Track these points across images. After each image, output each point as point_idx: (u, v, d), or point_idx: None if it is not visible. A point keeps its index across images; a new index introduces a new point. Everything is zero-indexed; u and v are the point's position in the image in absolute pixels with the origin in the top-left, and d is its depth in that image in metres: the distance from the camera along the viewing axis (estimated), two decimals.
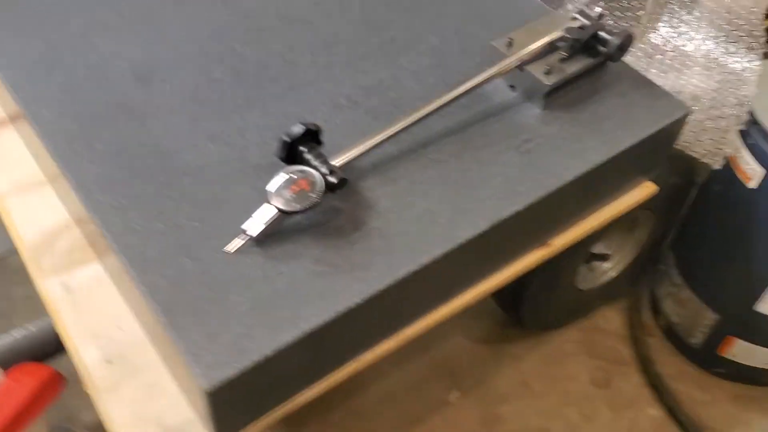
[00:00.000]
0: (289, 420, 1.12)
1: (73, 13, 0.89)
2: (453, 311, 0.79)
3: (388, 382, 1.19)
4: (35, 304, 0.77)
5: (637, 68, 1.10)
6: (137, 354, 0.72)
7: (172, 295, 0.64)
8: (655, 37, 1.10)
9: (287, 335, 0.62)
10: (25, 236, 0.81)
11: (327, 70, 0.86)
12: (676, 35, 1.09)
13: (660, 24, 1.10)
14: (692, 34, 1.08)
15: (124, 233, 0.68)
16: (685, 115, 0.87)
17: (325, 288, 0.66)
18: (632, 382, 1.22)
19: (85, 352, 0.71)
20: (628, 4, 1.07)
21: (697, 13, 1.07)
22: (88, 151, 0.75)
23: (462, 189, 0.75)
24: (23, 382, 0.70)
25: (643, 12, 1.08)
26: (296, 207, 0.67)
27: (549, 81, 0.82)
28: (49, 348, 0.75)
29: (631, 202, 0.92)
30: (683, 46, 1.08)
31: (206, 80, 0.83)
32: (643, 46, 1.11)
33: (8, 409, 0.68)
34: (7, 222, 0.82)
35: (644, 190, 0.93)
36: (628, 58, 1.12)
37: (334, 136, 0.78)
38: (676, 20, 1.09)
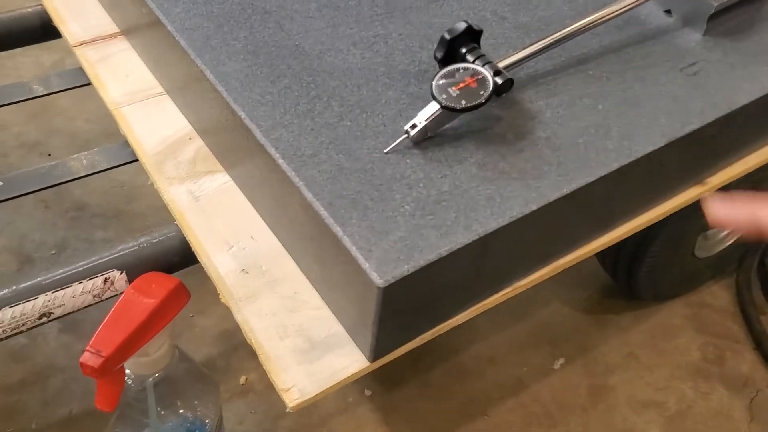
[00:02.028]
0: (389, 374, 1.06)
1: None
2: (605, 244, 0.73)
3: (486, 345, 1.12)
4: (113, 247, 0.71)
5: None
6: (273, 264, 0.66)
7: (332, 190, 0.58)
8: None
9: (461, 237, 0.56)
10: (145, 144, 0.75)
11: None
12: None
13: None
14: None
15: (273, 128, 0.62)
16: None
17: (494, 193, 0.60)
18: (747, 360, 1.14)
19: (218, 261, 0.66)
20: None
21: None
22: (225, 48, 0.70)
23: (629, 106, 0.68)
24: (151, 290, 0.64)
25: None
26: (463, 104, 0.61)
27: (716, 1, 0.76)
28: (176, 258, 0.69)
29: None
30: None
31: None
32: None
33: (138, 317, 0.62)
34: (125, 130, 0.77)
35: None
36: None
37: (483, 48, 0.72)
38: None
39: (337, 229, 0.55)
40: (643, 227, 0.75)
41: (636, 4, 0.76)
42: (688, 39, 0.77)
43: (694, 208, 0.92)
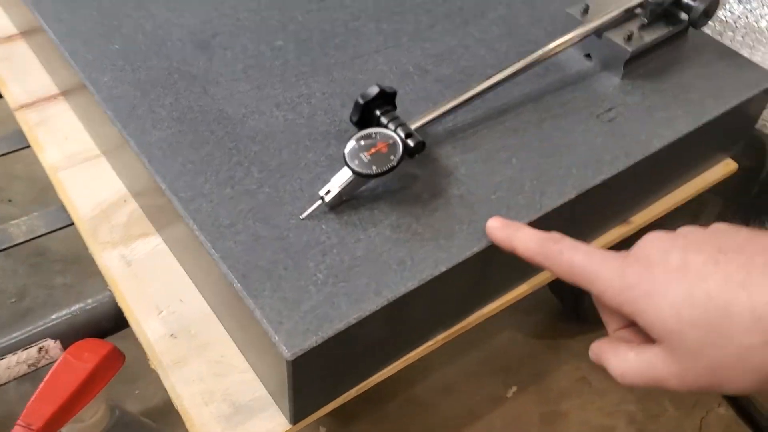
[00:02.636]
0: (344, 410, 1.08)
1: None
2: (533, 288, 0.75)
3: (442, 376, 1.14)
4: (76, 292, 0.74)
5: None
6: (202, 328, 0.68)
7: (247, 261, 0.60)
8: (724, 14, 1.06)
9: (371, 304, 0.58)
10: (81, 210, 0.77)
11: (393, 39, 0.82)
12: (747, 12, 1.05)
13: (730, 0, 1.05)
14: (764, 9, 1.03)
15: (193, 198, 0.64)
16: None
17: (405, 256, 0.62)
18: None
19: (148, 327, 0.68)
20: None
21: None
22: (151, 116, 0.71)
23: (545, 157, 0.70)
24: (84, 357, 0.66)
25: None
26: (374, 170, 0.63)
27: (630, 47, 0.78)
28: (109, 323, 0.71)
29: (713, 179, 0.87)
30: (755, 22, 1.04)
31: (268, 48, 0.80)
32: (711, 23, 1.06)
33: (71, 385, 0.64)
34: (62, 195, 0.79)
35: (726, 167, 0.88)
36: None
37: (404, 103, 0.74)
38: None
39: (250, 302, 0.57)
40: None
41: (557, 51, 0.78)
42: (607, 83, 0.79)
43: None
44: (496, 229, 0.61)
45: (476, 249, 0.63)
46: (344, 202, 0.65)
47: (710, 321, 0.43)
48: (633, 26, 0.80)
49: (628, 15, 0.80)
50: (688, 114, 0.76)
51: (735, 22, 1.04)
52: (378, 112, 0.68)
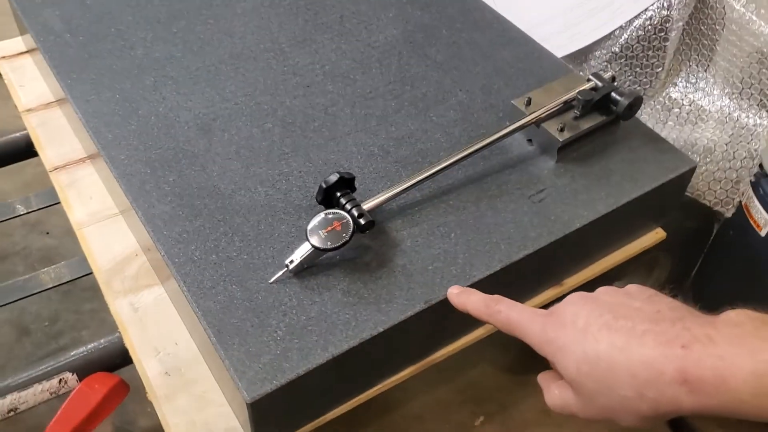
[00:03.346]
0: None
1: (146, 69, 1.02)
2: (472, 341, 0.89)
3: (416, 404, 1.28)
4: (100, 317, 0.89)
5: (655, 120, 1.19)
6: (190, 367, 0.83)
7: (222, 318, 0.75)
8: (673, 92, 1.19)
9: (317, 358, 0.72)
10: (99, 262, 0.93)
11: (364, 122, 0.97)
12: (693, 90, 1.17)
13: (678, 79, 1.18)
14: (708, 89, 1.16)
15: (185, 264, 0.80)
16: (691, 170, 0.95)
17: (351, 317, 0.76)
18: None
19: (147, 365, 0.83)
20: (648, 61, 1.16)
21: (713, 71, 1.15)
22: (157, 191, 0.87)
23: (478, 234, 0.84)
24: (95, 388, 0.82)
25: (662, 69, 1.16)
26: (329, 245, 0.78)
27: (562, 137, 0.91)
28: (118, 360, 0.87)
29: (641, 246, 1.00)
30: (699, 100, 1.16)
31: (259, 131, 0.95)
32: (661, 99, 1.19)
33: (82, 412, 0.80)
34: (84, 249, 0.95)
35: (654, 236, 1.01)
36: (647, 110, 1.21)
37: (367, 181, 0.89)
38: (693, 77, 1.17)
39: (221, 353, 0.72)
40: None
41: (500, 138, 0.92)
42: (543, 166, 0.93)
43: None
44: (454, 295, 0.74)
45: (410, 313, 0.77)
46: (306, 269, 0.80)
47: (600, 376, 0.57)
48: (568, 117, 0.94)
49: (565, 107, 0.94)
50: (608, 196, 0.89)
51: (682, 100, 1.17)
52: (338, 194, 0.83)
